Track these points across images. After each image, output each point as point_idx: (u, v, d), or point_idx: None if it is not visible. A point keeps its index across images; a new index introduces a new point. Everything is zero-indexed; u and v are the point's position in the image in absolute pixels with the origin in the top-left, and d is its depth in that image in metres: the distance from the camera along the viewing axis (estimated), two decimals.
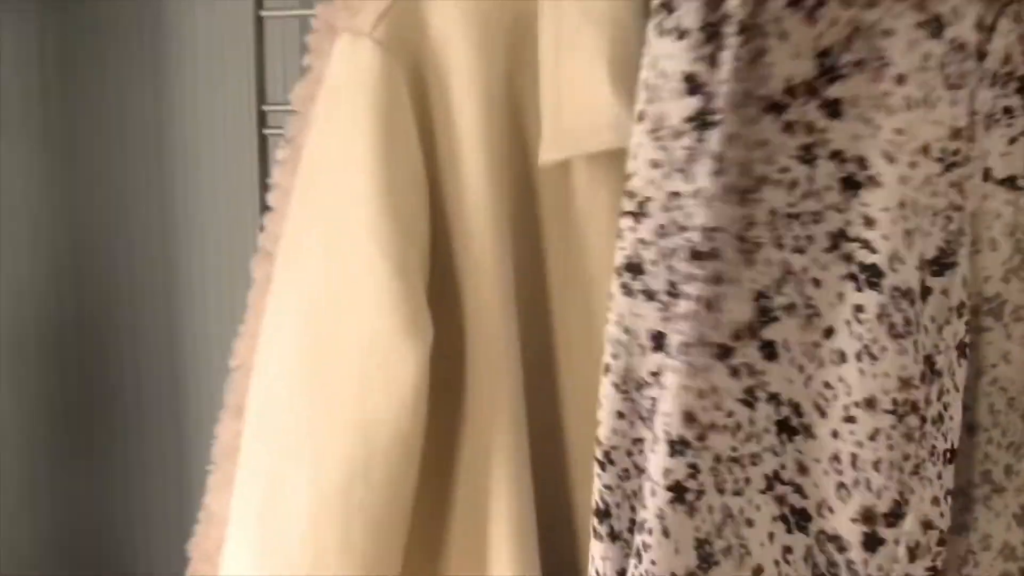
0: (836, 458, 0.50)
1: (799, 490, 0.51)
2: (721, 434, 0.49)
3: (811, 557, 0.51)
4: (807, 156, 0.49)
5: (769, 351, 0.50)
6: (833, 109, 0.49)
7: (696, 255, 0.48)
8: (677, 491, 0.49)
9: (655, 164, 0.49)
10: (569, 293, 0.61)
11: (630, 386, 0.51)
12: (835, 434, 0.50)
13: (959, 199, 0.50)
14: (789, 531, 0.51)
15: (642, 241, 0.50)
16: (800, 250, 0.49)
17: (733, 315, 0.49)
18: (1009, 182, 0.51)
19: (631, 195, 0.51)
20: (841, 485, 0.50)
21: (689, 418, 0.49)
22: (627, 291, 0.51)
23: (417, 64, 0.59)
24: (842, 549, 0.50)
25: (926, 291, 0.50)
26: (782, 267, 0.50)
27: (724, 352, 0.49)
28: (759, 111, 0.49)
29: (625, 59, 0.56)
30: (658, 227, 0.49)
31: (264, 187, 0.86)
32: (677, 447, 0.49)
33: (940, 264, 0.50)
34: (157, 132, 1.05)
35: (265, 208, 0.86)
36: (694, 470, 0.49)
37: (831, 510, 0.50)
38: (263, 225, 0.77)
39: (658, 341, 0.50)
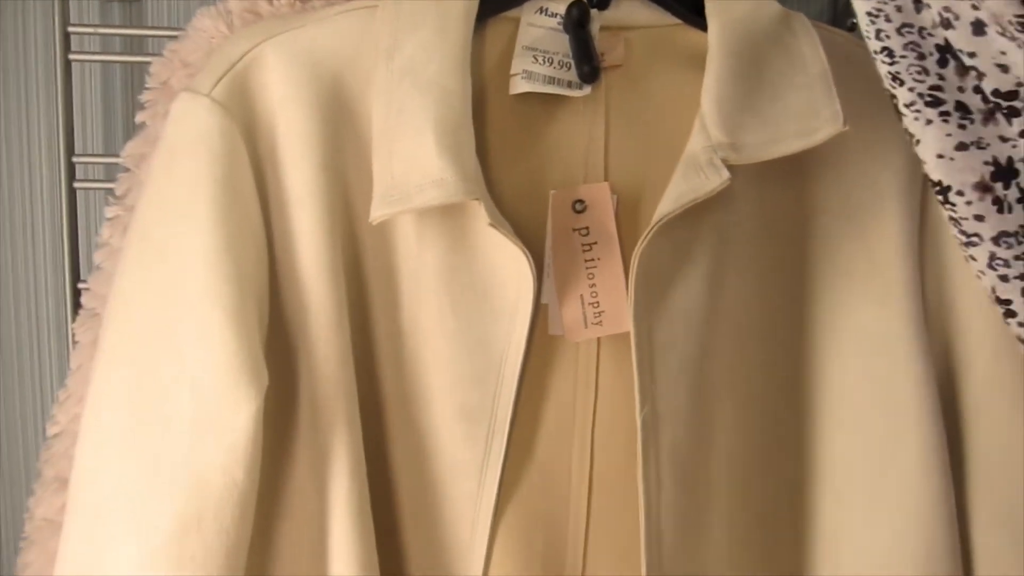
0: None
1: None
2: None
3: None
4: None
5: None
6: None
7: None
8: None
9: None
10: (398, 350, 0.63)
11: None
12: None
13: None
14: None
15: None
16: None
17: None
18: None
19: None
20: None
21: None
22: None
23: (250, 126, 0.61)
24: None
25: None
26: None
27: None
28: None
29: (450, 121, 0.59)
30: None
31: (74, 245, 0.82)
32: None
33: None
34: None
35: (75, 265, 0.84)
36: None
37: None
38: (84, 285, 0.75)
39: None
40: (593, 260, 0.63)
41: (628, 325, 0.60)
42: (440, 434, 0.62)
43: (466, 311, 0.61)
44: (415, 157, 0.59)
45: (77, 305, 0.79)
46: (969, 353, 0.65)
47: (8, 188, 0.94)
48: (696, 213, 0.60)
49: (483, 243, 0.61)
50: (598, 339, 0.64)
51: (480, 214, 0.58)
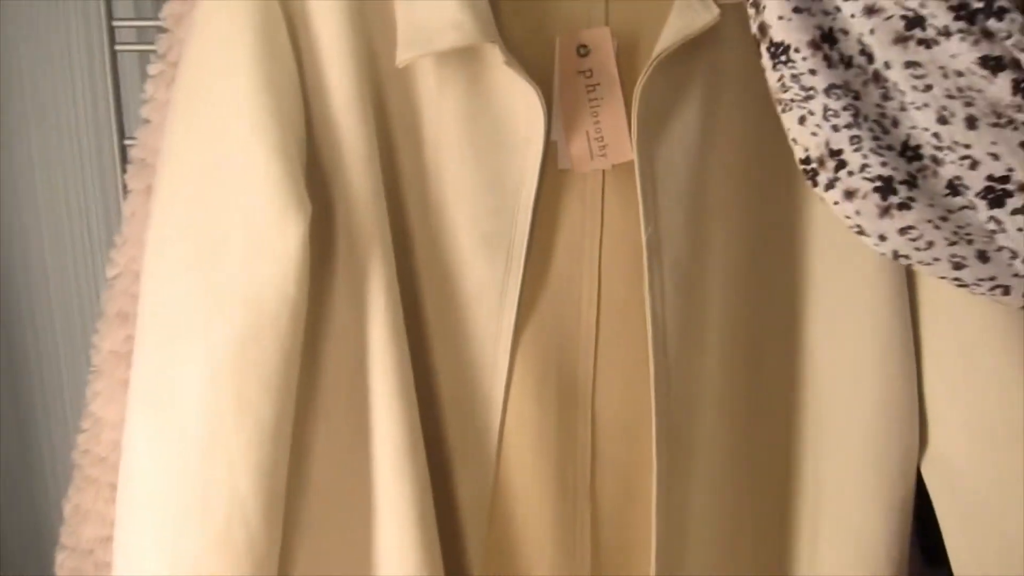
0: None
1: None
2: None
3: None
4: None
5: None
6: None
7: None
8: None
9: None
10: (423, 187, 0.70)
11: None
12: None
13: None
14: None
15: None
16: None
17: None
18: None
19: None
20: None
21: None
22: None
23: None
24: None
25: None
26: None
27: None
28: None
29: None
30: None
31: (118, 104, 0.88)
32: None
33: None
34: None
35: (120, 124, 0.90)
36: None
37: None
38: (133, 139, 0.81)
39: None
40: (596, 100, 0.70)
41: (631, 154, 0.66)
42: (464, 261, 0.69)
43: (483, 149, 0.68)
44: (434, 3, 0.64)
45: (124, 162, 0.86)
46: None
47: (47, 55, 1.00)
48: (691, 51, 0.65)
49: (497, 86, 0.67)
50: (602, 173, 0.71)
51: (495, 56, 0.64)
